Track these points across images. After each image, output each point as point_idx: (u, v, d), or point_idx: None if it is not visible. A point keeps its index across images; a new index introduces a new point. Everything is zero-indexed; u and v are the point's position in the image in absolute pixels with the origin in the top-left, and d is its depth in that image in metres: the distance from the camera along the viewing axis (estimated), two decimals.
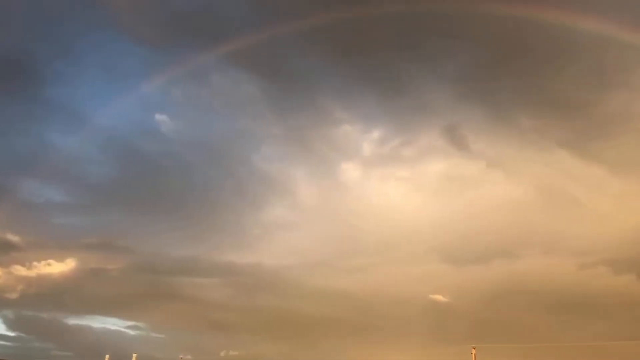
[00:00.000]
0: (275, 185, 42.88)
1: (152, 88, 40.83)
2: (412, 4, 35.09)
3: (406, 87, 42.42)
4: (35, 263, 36.80)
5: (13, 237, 37.55)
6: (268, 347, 35.91)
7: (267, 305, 37.34)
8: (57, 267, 37.43)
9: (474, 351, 21.55)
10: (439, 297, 41.16)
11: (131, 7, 37.59)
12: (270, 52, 39.59)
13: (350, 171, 43.44)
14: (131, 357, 27.40)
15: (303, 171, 43.21)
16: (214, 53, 38.07)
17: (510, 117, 51.29)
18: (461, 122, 54.64)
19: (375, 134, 43.41)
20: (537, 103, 52.33)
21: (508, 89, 52.20)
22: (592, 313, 53.11)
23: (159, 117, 41.25)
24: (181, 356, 29.42)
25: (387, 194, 45.97)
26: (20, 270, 36.80)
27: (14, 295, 36.75)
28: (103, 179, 41.03)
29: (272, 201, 42.82)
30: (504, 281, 51.20)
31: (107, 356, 28.51)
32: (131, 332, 37.50)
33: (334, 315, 38.72)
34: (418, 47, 40.47)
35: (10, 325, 37.70)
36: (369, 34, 38.95)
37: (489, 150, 57.58)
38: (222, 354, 33.27)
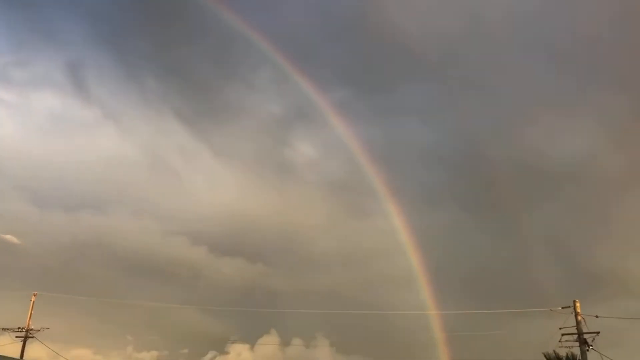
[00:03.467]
0: None
1: None
2: None
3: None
4: None
5: None
6: None
7: None
8: None
9: (33, 298, 20.87)
10: (12, 238, 37.79)
11: None
12: None
13: None
14: None
15: None
16: None
17: (138, 75, 51.03)
18: (87, 63, 51.45)
19: None
20: (167, 69, 53.44)
21: (145, 46, 51.66)
22: (163, 277, 57.13)
23: None
24: None
25: None
26: None
27: None
28: None
29: None
30: (88, 234, 50.51)
31: None
32: None
33: None
34: None
35: None
36: None
37: (109, 100, 56.14)
38: None
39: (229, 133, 55.22)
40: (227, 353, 49.48)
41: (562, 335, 16.21)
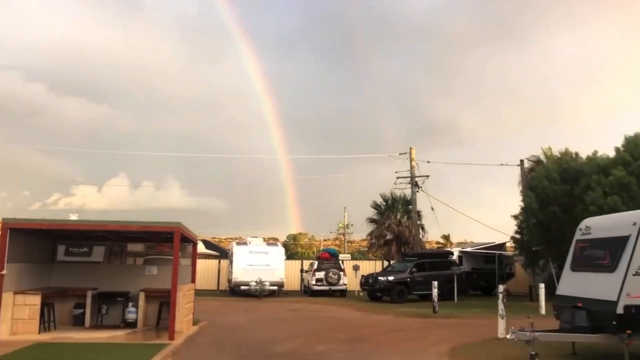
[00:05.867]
0: None
1: None
2: None
3: None
4: None
5: None
6: None
7: None
8: None
9: None
10: None
11: None
12: None
13: None
14: None
15: None
16: None
17: None
18: None
19: None
20: None
21: None
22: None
23: None
24: None
25: None
26: None
27: None
28: None
29: None
30: None
31: None
32: None
33: None
34: None
35: None
36: None
37: None
38: None
39: None
40: (72, 195, 47.96)
41: (397, 178, 18.07)
